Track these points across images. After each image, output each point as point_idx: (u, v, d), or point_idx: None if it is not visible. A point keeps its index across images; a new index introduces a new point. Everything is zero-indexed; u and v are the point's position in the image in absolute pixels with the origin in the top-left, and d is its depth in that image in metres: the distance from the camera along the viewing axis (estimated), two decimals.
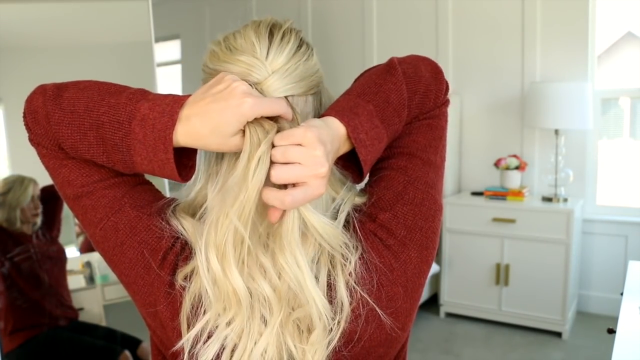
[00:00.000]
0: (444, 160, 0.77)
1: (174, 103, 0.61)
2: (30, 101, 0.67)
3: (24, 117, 0.67)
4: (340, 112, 0.66)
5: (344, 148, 0.66)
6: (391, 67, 0.73)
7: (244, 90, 0.60)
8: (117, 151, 0.63)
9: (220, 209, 0.61)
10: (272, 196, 0.59)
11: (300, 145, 0.59)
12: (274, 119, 0.63)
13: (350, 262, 0.66)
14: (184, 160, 0.66)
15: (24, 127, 0.69)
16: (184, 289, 0.64)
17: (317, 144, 0.59)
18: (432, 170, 0.74)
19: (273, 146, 0.61)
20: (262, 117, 0.62)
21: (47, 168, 0.70)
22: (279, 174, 0.59)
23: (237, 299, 0.61)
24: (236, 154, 0.64)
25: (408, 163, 0.73)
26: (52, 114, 0.64)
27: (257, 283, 0.62)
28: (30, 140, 0.69)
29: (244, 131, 0.62)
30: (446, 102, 0.79)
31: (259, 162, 0.59)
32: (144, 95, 0.63)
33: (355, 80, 0.75)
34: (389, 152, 0.74)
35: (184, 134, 0.60)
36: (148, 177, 0.74)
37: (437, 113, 0.77)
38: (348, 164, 0.72)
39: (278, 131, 0.62)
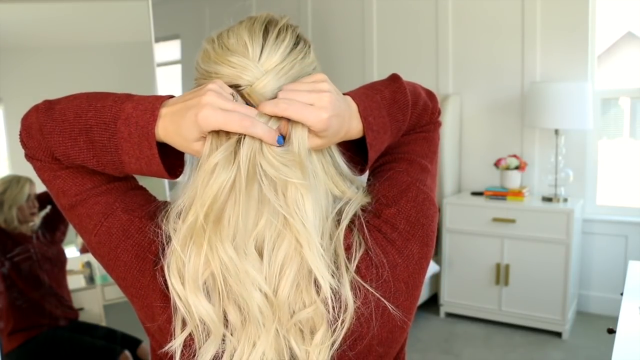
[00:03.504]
0: (437, 172, 0.82)
1: (155, 101, 0.63)
2: (24, 119, 0.69)
3: (20, 135, 0.70)
4: (353, 94, 0.70)
5: (355, 127, 0.68)
6: (394, 76, 0.78)
7: (208, 101, 0.60)
8: (106, 152, 0.64)
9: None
10: (268, 103, 0.62)
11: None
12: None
13: (354, 260, 0.66)
14: (172, 159, 0.67)
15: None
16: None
17: (326, 82, 0.65)
18: (429, 176, 0.77)
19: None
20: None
21: (43, 181, 0.71)
22: (288, 93, 0.63)
23: (210, 323, 0.62)
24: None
25: (409, 167, 0.76)
26: (45, 124, 0.66)
27: (246, 291, 0.62)
28: (26, 156, 0.71)
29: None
30: (439, 122, 0.85)
31: (215, 169, 0.61)
32: (128, 97, 0.65)
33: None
34: (390, 157, 0.78)
35: (159, 129, 0.62)
36: (142, 182, 0.75)
37: (432, 128, 0.83)
38: (354, 157, 0.74)
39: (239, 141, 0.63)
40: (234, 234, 0.62)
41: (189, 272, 0.61)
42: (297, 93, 0.63)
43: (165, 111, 0.62)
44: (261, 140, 0.63)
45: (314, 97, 0.63)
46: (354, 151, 0.75)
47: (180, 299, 0.62)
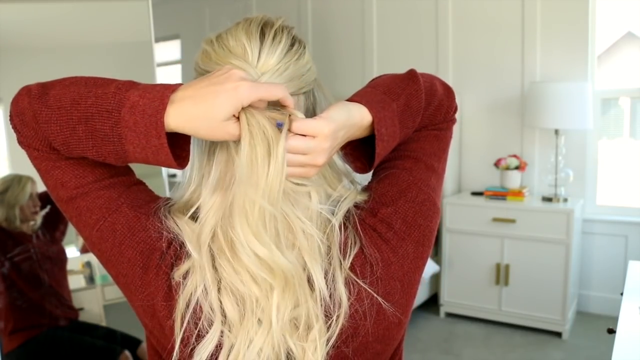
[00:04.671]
0: (444, 170, 0.81)
1: (165, 89, 0.61)
2: (16, 103, 0.65)
3: (11, 119, 0.66)
4: (369, 102, 0.69)
5: (361, 134, 0.70)
6: (413, 75, 0.76)
7: (241, 76, 0.61)
8: (108, 142, 0.61)
9: (242, 198, 0.62)
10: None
11: (313, 137, 0.63)
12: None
13: (349, 257, 0.66)
14: (177, 151, 0.65)
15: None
16: (180, 287, 0.65)
17: (328, 139, 0.63)
18: (434, 176, 0.77)
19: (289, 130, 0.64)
20: (256, 106, 0.62)
21: (38, 170, 0.69)
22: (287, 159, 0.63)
23: (279, 275, 0.62)
24: (229, 146, 0.66)
25: (413, 165, 0.76)
26: (39, 112, 0.63)
27: (246, 286, 0.62)
28: (20, 142, 0.68)
29: (237, 118, 0.61)
30: (454, 120, 0.84)
31: (275, 149, 0.61)
32: (133, 85, 0.63)
33: (373, 80, 0.77)
34: (396, 153, 0.77)
35: (175, 116, 0.60)
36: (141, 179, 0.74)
37: (444, 127, 0.82)
38: (356, 152, 0.75)
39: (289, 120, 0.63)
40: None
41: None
42: (289, 156, 0.63)
43: (181, 95, 0.60)
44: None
45: (310, 159, 0.64)
46: (354, 145, 0.75)
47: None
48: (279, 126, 0.63)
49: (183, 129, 0.60)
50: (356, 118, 0.67)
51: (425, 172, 0.76)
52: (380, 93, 0.72)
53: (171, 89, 0.61)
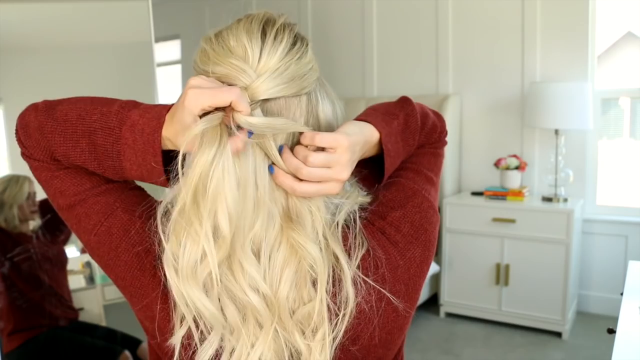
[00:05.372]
0: (439, 187, 0.86)
1: (162, 109, 0.63)
2: (22, 117, 0.69)
3: (16, 133, 0.69)
4: (374, 120, 0.73)
5: (369, 153, 0.73)
6: (406, 99, 0.82)
7: (191, 84, 0.60)
8: (107, 157, 0.64)
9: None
10: (287, 183, 0.64)
11: (333, 149, 0.65)
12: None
13: (356, 258, 0.67)
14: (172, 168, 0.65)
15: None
16: None
17: (348, 152, 0.65)
18: (433, 188, 0.81)
19: (297, 144, 0.65)
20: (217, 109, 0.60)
21: (39, 181, 0.71)
22: (310, 173, 0.64)
23: (209, 318, 0.61)
24: None
25: (416, 176, 0.79)
26: (45, 124, 0.66)
27: (243, 293, 0.62)
28: (23, 154, 0.70)
29: None
30: (446, 142, 0.90)
31: (201, 146, 0.58)
32: (135, 104, 0.65)
33: (368, 107, 0.81)
34: (398, 165, 0.81)
35: (165, 137, 0.62)
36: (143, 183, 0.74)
37: (439, 146, 0.88)
38: (365, 170, 0.78)
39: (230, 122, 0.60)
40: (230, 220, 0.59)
41: (183, 261, 0.60)
42: (314, 170, 0.64)
43: (167, 115, 0.62)
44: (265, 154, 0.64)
45: (334, 173, 0.65)
46: (362, 165, 0.77)
47: (176, 291, 0.61)
48: (249, 135, 0.61)
49: (173, 146, 0.62)
50: (367, 134, 0.70)
51: (426, 183, 0.79)
52: (381, 114, 0.76)
53: (167, 108, 0.63)
